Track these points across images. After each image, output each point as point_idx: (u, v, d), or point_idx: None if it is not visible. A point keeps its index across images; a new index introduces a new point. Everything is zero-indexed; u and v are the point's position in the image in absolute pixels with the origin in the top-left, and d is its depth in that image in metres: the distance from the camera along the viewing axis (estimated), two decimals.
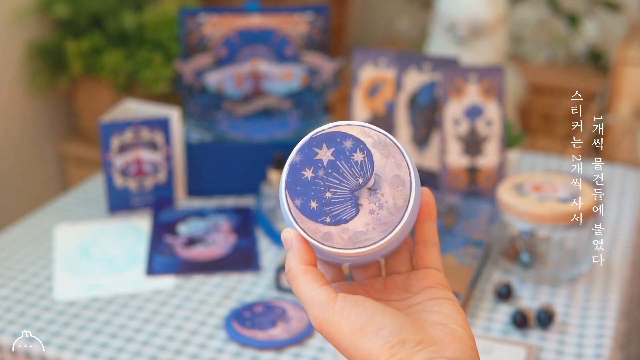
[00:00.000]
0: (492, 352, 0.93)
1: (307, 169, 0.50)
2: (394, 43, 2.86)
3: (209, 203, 1.32)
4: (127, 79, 2.17)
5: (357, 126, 0.51)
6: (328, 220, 0.50)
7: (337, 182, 0.50)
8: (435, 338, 0.51)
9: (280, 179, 0.51)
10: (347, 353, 0.51)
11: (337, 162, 0.50)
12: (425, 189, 0.56)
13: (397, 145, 0.51)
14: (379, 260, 0.59)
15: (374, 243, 0.50)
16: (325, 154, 0.50)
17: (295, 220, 0.50)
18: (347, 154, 0.50)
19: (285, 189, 0.50)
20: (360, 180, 0.50)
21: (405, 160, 0.51)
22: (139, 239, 1.21)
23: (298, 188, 0.50)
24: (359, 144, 0.51)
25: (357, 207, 0.50)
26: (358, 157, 0.50)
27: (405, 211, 0.50)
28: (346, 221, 0.50)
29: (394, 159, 0.51)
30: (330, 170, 0.50)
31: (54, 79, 2.25)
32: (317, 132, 0.51)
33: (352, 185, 0.50)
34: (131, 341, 0.97)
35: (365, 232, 0.50)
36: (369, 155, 0.50)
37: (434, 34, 2.17)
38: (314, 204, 0.50)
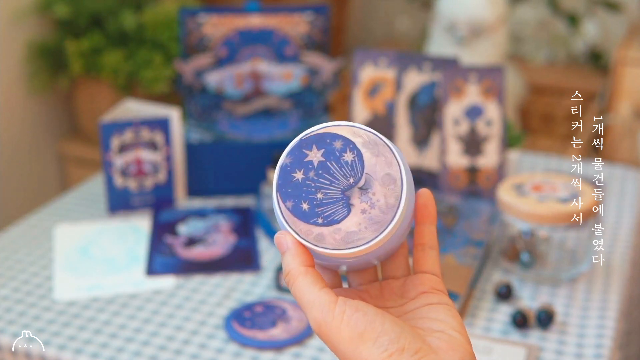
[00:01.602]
0: (492, 352, 0.93)
1: (297, 171, 0.50)
2: (394, 43, 2.86)
3: (209, 203, 1.32)
4: (127, 79, 2.17)
5: (346, 126, 0.51)
6: (320, 221, 0.50)
7: (328, 182, 0.50)
8: (433, 346, 0.51)
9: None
10: (345, 358, 0.51)
11: (328, 162, 0.50)
12: (425, 191, 0.56)
13: (387, 144, 0.51)
14: (374, 265, 0.58)
15: (367, 242, 0.50)
16: (315, 155, 0.50)
17: (287, 222, 0.50)
18: (337, 154, 0.50)
19: (277, 191, 0.50)
20: (351, 180, 0.50)
21: (396, 159, 0.51)
22: (139, 239, 1.21)
23: (289, 190, 0.50)
24: (348, 144, 0.51)
25: (348, 207, 0.50)
26: (348, 157, 0.50)
27: (397, 209, 0.50)
28: (338, 221, 0.50)
29: (385, 157, 0.51)
30: (320, 171, 0.50)
31: (54, 79, 2.25)
32: (307, 134, 0.51)
33: (343, 186, 0.50)
34: (131, 341, 0.97)
35: (357, 232, 0.50)
36: (359, 155, 0.50)
37: (434, 34, 2.17)
38: (305, 206, 0.50)
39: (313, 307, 0.51)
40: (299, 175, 0.50)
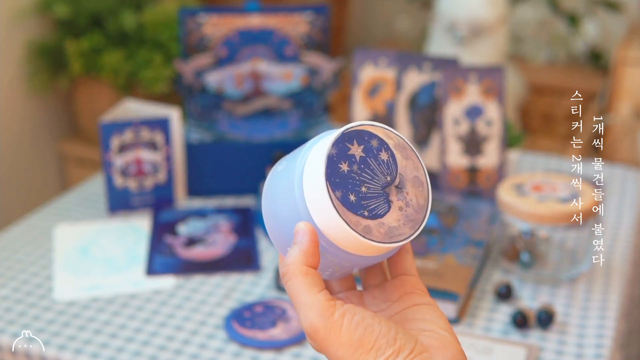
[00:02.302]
0: (492, 352, 0.93)
1: (343, 163, 0.51)
2: (394, 43, 2.86)
3: (209, 203, 1.32)
4: (127, 79, 2.17)
5: (380, 127, 0.53)
6: (366, 213, 0.50)
7: (370, 177, 0.51)
8: (425, 345, 0.52)
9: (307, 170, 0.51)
10: None
11: (368, 159, 0.51)
12: None
13: (412, 149, 0.53)
14: (352, 273, 0.59)
15: (406, 238, 0.52)
16: (357, 150, 0.51)
17: (338, 211, 0.50)
18: (375, 152, 0.52)
19: (326, 180, 0.50)
20: (389, 178, 0.52)
21: (421, 163, 0.53)
22: (139, 239, 1.21)
23: (337, 180, 0.50)
24: (383, 144, 0.52)
25: (388, 203, 0.51)
26: (384, 156, 0.52)
27: (427, 210, 0.53)
28: (381, 216, 0.51)
29: (412, 161, 0.53)
30: (362, 166, 0.51)
31: (53, 79, 2.25)
32: (347, 129, 0.52)
33: (382, 182, 0.51)
34: (131, 341, 0.97)
35: (397, 227, 0.51)
36: (392, 155, 0.52)
37: (434, 34, 2.17)
38: (352, 197, 0.50)
39: (311, 310, 0.51)
40: (344, 167, 0.51)
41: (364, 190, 0.51)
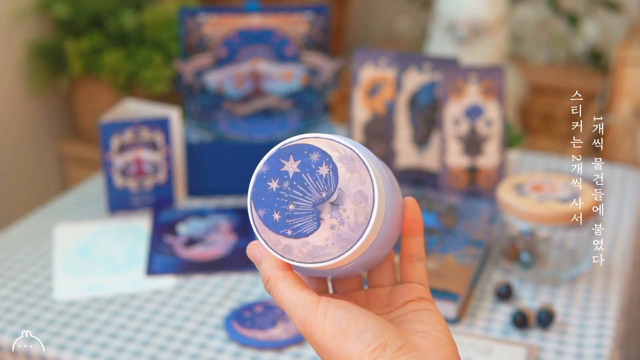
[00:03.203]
0: (492, 352, 0.93)
1: (272, 180, 0.50)
2: (394, 43, 2.86)
3: (209, 203, 1.32)
4: (127, 79, 2.17)
5: (325, 139, 0.51)
6: (289, 232, 0.50)
7: (301, 195, 0.50)
8: (417, 344, 0.52)
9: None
10: (329, 356, 0.51)
11: (303, 174, 0.50)
12: (411, 203, 0.55)
13: (362, 161, 0.50)
14: (359, 274, 0.58)
15: (333, 259, 0.50)
16: (291, 166, 0.50)
17: (257, 230, 0.50)
18: (313, 167, 0.50)
19: (251, 199, 0.50)
20: (324, 195, 0.50)
21: (370, 177, 0.50)
22: (139, 239, 1.21)
23: (263, 199, 0.50)
24: (325, 158, 0.50)
25: (318, 221, 0.50)
26: (323, 170, 0.50)
27: (366, 228, 0.49)
28: (306, 235, 0.50)
29: (359, 174, 0.50)
30: (295, 183, 0.50)
31: (53, 78, 2.25)
32: (285, 144, 0.51)
33: (315, 199, 0.50)
34: (131, 341, 0.97)
35: (324, 247, 0.49)
36: (334, 169, 0.50)
37: (434, 34, 2.17)
38: (276, 216, 0.50)
39: (297, 308, 0.51)
40: (273, 185, 0.50)
41: (292, 208, 0.50)
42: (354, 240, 0.49)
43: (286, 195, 0.50)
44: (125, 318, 1.02)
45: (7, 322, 1.01)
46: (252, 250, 0.52)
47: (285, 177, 0.50)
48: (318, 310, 0.51)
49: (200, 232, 1.21)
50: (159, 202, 1.29)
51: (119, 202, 1.27)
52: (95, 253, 1.17)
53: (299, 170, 0.50)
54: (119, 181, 1.26)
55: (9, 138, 2.21)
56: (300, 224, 0.50)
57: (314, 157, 0.50)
